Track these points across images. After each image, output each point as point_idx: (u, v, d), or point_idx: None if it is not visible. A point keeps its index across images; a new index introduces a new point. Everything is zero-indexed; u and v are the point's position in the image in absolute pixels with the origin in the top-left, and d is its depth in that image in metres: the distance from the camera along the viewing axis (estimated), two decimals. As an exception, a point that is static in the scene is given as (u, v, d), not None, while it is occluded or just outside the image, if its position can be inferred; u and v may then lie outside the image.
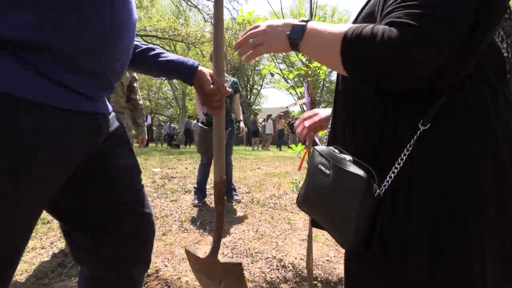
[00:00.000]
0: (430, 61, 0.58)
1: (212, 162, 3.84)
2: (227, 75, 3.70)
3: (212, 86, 1.10)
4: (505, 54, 0.67)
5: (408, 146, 0.65)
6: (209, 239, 2.69)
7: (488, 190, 0.62)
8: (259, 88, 30.90)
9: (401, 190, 0.67)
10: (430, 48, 0.57)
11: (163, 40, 20.15)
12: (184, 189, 4.18)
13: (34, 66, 0.67)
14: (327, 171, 0.74)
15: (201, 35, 19.76)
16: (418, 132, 0.64)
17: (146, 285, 1.94)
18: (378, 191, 0.66)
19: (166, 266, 2.20)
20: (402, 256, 0.65)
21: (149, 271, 2.08)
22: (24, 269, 2.02)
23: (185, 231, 2.88)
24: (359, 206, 0.66)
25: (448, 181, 0.62)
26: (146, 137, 3.12)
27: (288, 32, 0.73)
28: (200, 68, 1.10)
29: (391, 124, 0.69)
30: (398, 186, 0.67)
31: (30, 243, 2.41)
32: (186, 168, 5.60)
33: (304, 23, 0.72)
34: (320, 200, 0.77)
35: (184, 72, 1.08)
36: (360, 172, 0.67)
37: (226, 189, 3.95)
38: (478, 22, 0.56)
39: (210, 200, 3.77)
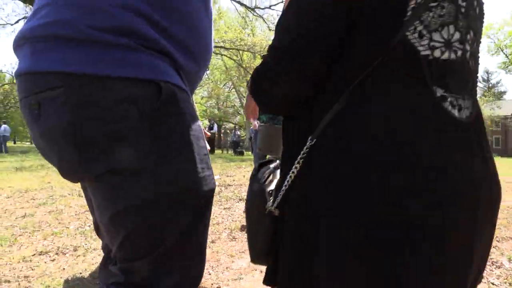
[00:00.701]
0: (269, 93, 0.65)
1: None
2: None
3: None
4: (425, 53, 0.55)
5: (296, 163, 0.62)
6: (255, 249, 2.70)
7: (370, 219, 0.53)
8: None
9: (291, 208, 0.65)
10: (270, 83, 0.63)
11: (230, 50, 20.97)
12: (239, 197, 4.26)
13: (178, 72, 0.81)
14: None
15: (266, 44, 20.13)
16: (305, 148, 0.61)
17: (187, 292, 2.00)
18: (269, 208, 0.67)
19: (210, 274, 2.26)
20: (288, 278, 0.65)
21: (192, 278, 2.15)
22: (84, 268, 2.24)
23: (234, 239, 2.92)
24: (256, 221, 0.71)
25: (327, 196, 0.57)
26: None
27: None
28: None
29: (293, 139, 0.68)
30: (288, 203, 0.65)
31: (91, 244, 2.66)
32: (244, 176, 5.72)
33: None
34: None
35: None
36: (255, 188, 0.72)
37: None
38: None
39: (263, 209, 3.77)
